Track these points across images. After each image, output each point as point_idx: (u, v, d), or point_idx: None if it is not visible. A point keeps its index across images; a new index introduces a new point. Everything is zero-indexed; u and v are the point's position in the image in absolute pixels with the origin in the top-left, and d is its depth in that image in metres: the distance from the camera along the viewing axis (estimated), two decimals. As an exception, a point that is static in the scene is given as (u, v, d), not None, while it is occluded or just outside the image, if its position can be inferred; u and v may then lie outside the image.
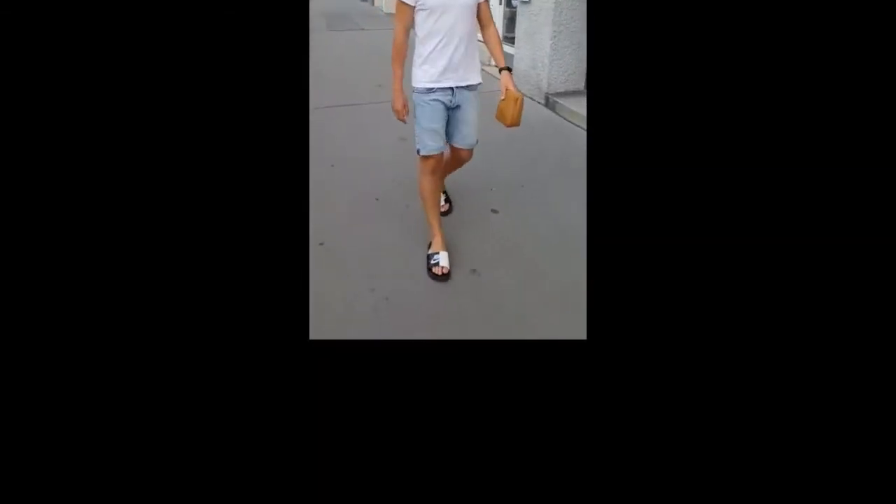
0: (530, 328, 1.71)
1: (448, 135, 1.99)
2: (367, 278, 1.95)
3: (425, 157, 1.94)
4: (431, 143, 1.92)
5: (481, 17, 1.89)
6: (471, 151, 2.08)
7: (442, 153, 1.98)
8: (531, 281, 1.95)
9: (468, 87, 1.92)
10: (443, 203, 2.36)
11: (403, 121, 1.97)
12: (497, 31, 1.98)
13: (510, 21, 5.00)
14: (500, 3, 5.22)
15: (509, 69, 1.92)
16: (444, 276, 1.99)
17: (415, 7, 1.80)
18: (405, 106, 1.94)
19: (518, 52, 4.37)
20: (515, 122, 1.92)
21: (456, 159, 2.12)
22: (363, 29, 7.50)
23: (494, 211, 2.43)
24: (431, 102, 1.87)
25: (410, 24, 1.85)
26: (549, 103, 3.89)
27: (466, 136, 1.99)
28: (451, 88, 1.88)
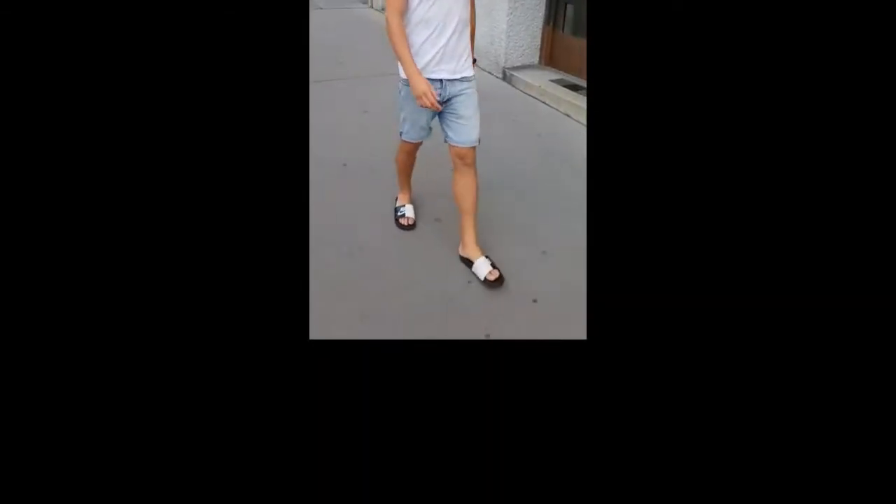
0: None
1: (444, 134, 1.83)
2: (339, 233, 2.11)
3: (406, 141, 1.93)
4: (414, 133, 1.87)
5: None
6: (472, 150, 1.81)
7: (422, 141, 1.94)
8: (488, 223, 2.16)
9: (462, 80, 1.74)
10: (491, 269, 1.85)
11: (438, 107, 1.70)
12: (475, 19, 1.85)
13: (467, -1, 5.15)
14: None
15: (475, 60, 1.85)
16: (410, 227, 2.14)
17: None
18: (430, 86, 1.66)
19: (477, 29, 4.53)
20: None
21: (458, 158, 1.82)
22: (321, 8, 7.51)
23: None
24: None
25: (404, 10, 1.65)
26: (505, 77, 4.08)
27: (461, 132, 1.77)
28: (441, 81, 1.71)
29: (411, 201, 2.23)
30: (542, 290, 1.80)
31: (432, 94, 1.65)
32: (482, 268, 1.83)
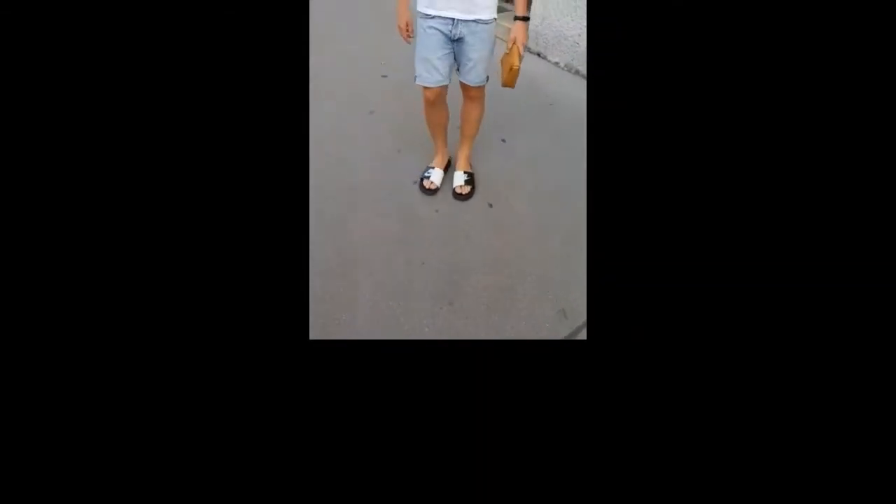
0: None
1: (457, 68, 1.87)
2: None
3: (423, 88, 1.87)
4: (425, 73, 1.81)
5: None
6: (479, 90, 1.91)
7: (442, 87, 1.87)
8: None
9: (476, 22, 1.71)
10: (462, 184, 2.13)
11: (407, 41, 1.84)
12: None
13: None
14: None
15: (526, 19, 1.76)
16: (431, 191, 2.12)
17: None
18: (409, 25, 1.80)
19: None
20: (507, 85, 1.83)
21: (464, 90, 1.94)
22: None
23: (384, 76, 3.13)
24: (428, 30, 1.74)
25: None
26: None
27: (468, 72, 1.83)
28: (453, 19, 1.71)
29: (445, 164, 2.20)
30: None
31: (404, 33, 1.80)
32: (457, 179, 2.15)
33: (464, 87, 1.93)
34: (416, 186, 2.17)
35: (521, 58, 1.76)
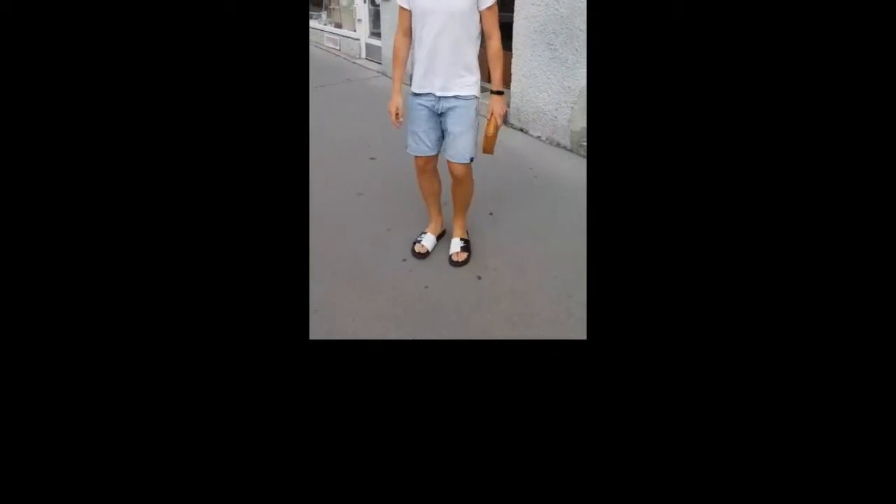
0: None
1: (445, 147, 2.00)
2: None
3: (414, 157, 2.05)
4: (414, 144, 2.00)
5: (483, 27, 1.82)
6: (463, 168, 1.97)
7: (430, 157, 2.02)
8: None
9: (455, 98, 1.87)
10: (458, 251, 2.19)
11: (395, 125, 2.00)
12: (498, 47, 1.84)
13: (376, 17, 5.94)
14: (365, 2, 6.15)
15: (501, 93, 1.90)
16: (422, 255, 2.19)
17: (410, 11, 1.82)
18: (398, 111, 1.96)
19: (384, 43, 5.34)
20: (486, 151, 1.98)
21: (450, 170, 2.02)
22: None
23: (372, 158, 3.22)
24: (417, 106, 1.93)
25: (409, 28, 1.87)
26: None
27: (450, 147, 1.94)
28: (435, 96, 1.88)
29: (438, 232, 2.29)
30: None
31: (395, 116, 1.96)
32: (454, 246, 2.21)
33: (449, 166, 2.01)
34: (406, 263, 2.22)
35: (497, 127, 1.93)
